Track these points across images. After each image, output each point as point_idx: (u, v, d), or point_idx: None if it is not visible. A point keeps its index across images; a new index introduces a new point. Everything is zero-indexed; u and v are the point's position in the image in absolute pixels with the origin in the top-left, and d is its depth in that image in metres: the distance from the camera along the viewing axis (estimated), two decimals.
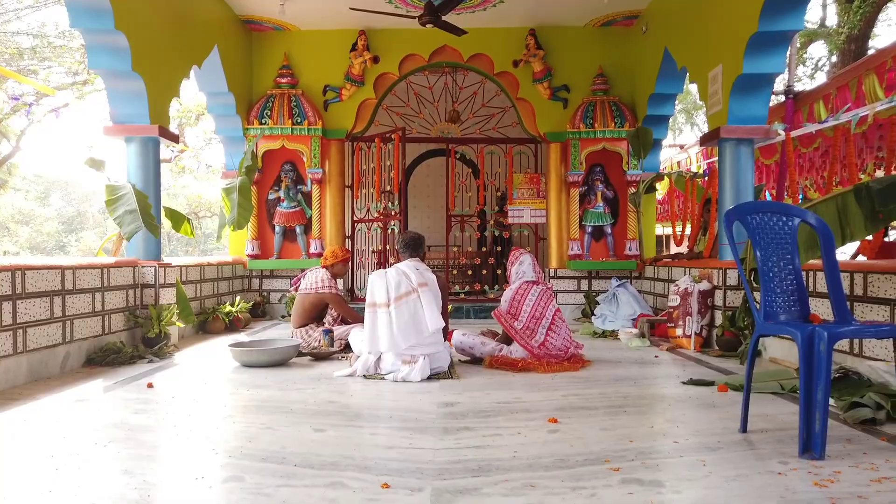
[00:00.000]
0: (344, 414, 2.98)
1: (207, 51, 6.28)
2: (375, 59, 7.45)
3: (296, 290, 5.09)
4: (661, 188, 9.15)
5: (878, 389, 3.06)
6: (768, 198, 7.18)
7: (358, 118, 7.57)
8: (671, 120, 8.52)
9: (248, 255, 7.34)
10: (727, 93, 5.10)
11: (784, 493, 1.97)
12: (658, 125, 7.25)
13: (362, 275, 7.89)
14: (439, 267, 7.91)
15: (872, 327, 2.42)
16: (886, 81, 5.05)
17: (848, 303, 3.67)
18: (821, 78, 15.08)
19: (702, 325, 5.05)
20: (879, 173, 5.80)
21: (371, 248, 7.91)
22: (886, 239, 7.40)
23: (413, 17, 6.23)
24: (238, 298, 6.64)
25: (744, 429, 2.64)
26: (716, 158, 5.94)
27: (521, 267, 4.48)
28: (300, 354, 4.49)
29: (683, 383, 3.66)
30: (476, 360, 4.37)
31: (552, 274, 7.50)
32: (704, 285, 5.12)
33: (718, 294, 5.03)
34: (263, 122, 7.24)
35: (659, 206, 10.29)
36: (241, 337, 5.43)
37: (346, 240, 7.73)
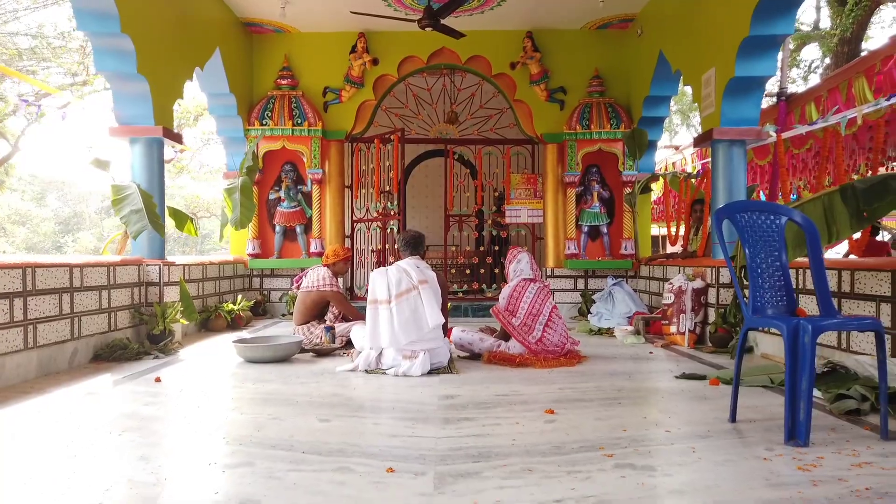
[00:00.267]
0: (348, 406, 3.09)
1: (209, 53, 6.38)
2: (375, 61, 7.55)
3: (297, 288, 5.18)
4: (657, 188, 9.28)
5: (863, 382, 3.17)
6: (762, 198, 7.30)
7: (357, 119, 7.67)
8: (666, 121, 8.67)
9: (249, 255, 7.43)
10: (720, 95, 5.22)
11: (769, 476, 2.07)
12: (653, 126, 7.37)
13: (361, 274, 7.99)
14: (438, 266, 8.01)
15: (855, 320, 2.53)
16: (875, 84, 5.18)
17: (836, 299, 3.80)
18: (815, 80, 15.22)
19: (695, 323, 5.16)
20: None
21: (370, 248, 8.01)
22: (878, 238, 7.53)
23: (412, 21, 6.33)
24: (240, 297, 6.73)
25: (733, 418, 2.75)
26: (710, 159, 6.05)
27: (518, 265, 4.58)
28: (303, 351, 4.59)
29: (676, 377, 3.77)
30: (475, 356, 4.47)
31: (549, 273, 7.61)
32: (698, 283, 5.24)
33: (712, 292, 5.14)
34: (264, 123, 7.33)
35: (655, 206, 10.42)
36: (244, 334, 5.52)
37: (346, 239, 7.83)
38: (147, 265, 5.07)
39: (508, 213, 7.69)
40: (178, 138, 5.60)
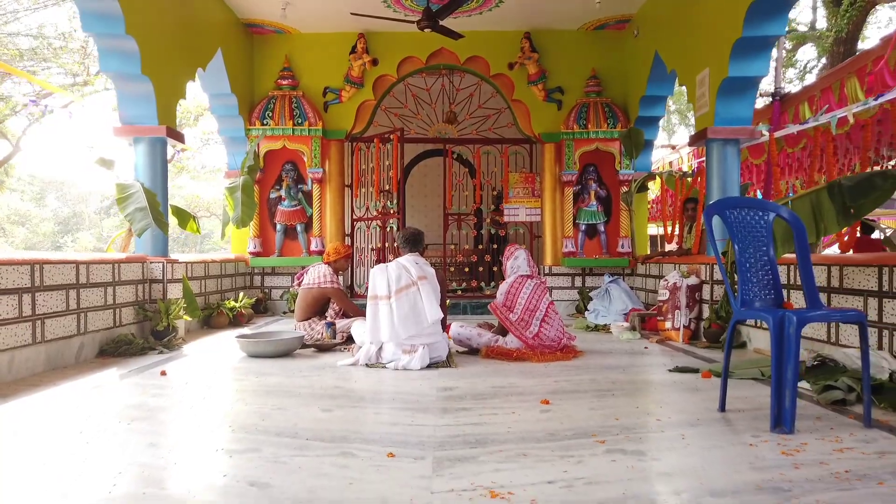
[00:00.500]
0: (349, 397, 3.18)
1: (211, 54, 6.47)
2: (374, 62, 7.64)
3: (299, 285, 5.27)
4: (654, 187, 9.37)
5: (851, 375, 3.26)
6: (759, 196, 7.39)
7: (357, 119, 7.76)
8: (665, 120, 8.78)
9: (251, 253, 7.52)
10: (713, 95, 5.31)
11: (754, 460, 2.16)
12: (649, 126, 7.46)
13: (361, 272, 8.08)
14: (437, 265, 8.09)
15: (839, 312, 2.62)
16: (867, 84, 5.27)
17: (826, 294, 3.90)
18: (811, 80, 15.32)
19: (690, 319, 5.26)
20: None
21: (370, 246, 8.10)
22: (873, 237, 7.62)
23: (411, 22, 6.42)
24: (241, 294, 6.82)
25: (722, 408, 2.84)
26: (705, 158, 6.15)
27: (515, 262, 4.67)
28: (304, 346, 4.67)
29: (670, 371, 3.86)
30: (473, 351, 4.57)
31: (547, 271, 7.70)
32: (692, 280, 5.33)
33: (706, 288, 5.23)
34: (265, 122, 7.42)
35: (653, 205, 10.51)
36: (245, 331, 5.61)
37: (346, 237, 7.91)
38: (151, 262, 5.16)
39: (507, 212, 7.78)
40: (180, 138, 5.69)
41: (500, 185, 8.20)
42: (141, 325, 4.97)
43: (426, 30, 6.21)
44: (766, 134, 5.14)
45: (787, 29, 15.21)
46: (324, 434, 2.46)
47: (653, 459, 2.19)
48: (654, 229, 11.79)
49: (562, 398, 3.11)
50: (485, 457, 2.19)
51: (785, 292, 4.22)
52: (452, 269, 8.15)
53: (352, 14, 6.76)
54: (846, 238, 4.13)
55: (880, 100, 4.06)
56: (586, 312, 6.67)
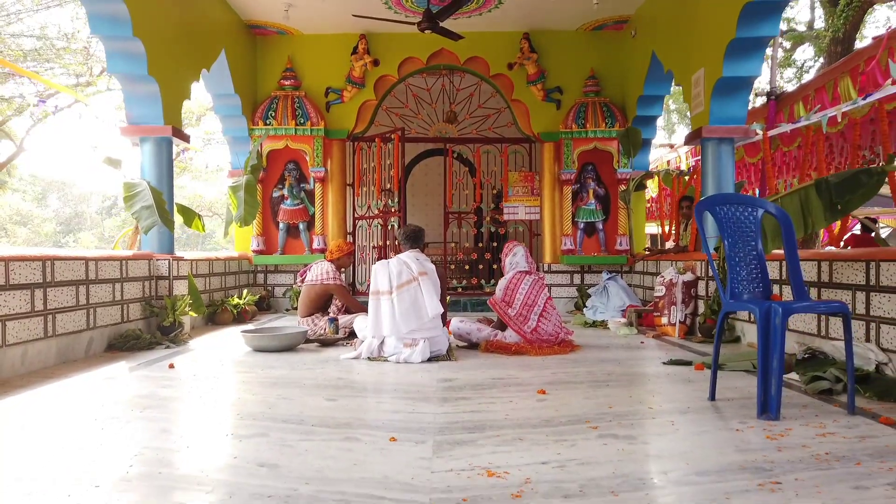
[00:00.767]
0: (352, 388, 3.28)
1: (216, 55, 6.58)
2: (375, 62, 7.75)
3: (302, 281, 5.37)
4: (653, 185, 9.46)
5: (839, 366, 3.36)
6: (756, 194, 7.49)
7: (359, 119, 7.87)
8: (666, 120, 8.88)
9: (254, 251, 7.63)
10: (708, 95, 5.42)
11: (739, 444, 2.27)
12: (647, 125, 7.56)
13: (363, 269, 8.18)
14: (437, 262, 8.19)
15: (823, 304, 2.73)
16: (859, 83, 5.37)
17: (816, 289, 4.00)
18: (808, 80, 15.39)
19: (686, 314, 5.36)
20: None
21: (371, 244, 8.21)
22: (872, 235, 7.72)
23: (412, 23, 6.53)
24: (245, 292, 6.93)
25: (712, 397, 2.94)
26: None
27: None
28: (307, 341, 4.78)
29: (664, 363, 3.96)
30: (473, 346, 4.67)
31: (546, 268, 7.80)
32: (688, 276, 5.43)
33: (701, 284, 5.33)
34: (268, 122, 7.53)
35: (651, 204, 10.60)
36: (249, 328, 5.72)
37: (348, 236, 8.02)
38: (157, 260, 5.27)
39: (506, 211, 7.89)
40: (186, 137, 5.80)
41: (500, 183, 8.30)
42: (148, 320, 5.08)
43: (426, 31, 6.31)
44: (760, 133, 5.24)
45: (785, 29, 15.30)
46: (328, 421, 2.57)
47: (643, 443, 2.29)
48: (654, 229, 11.88)
49: (558, 388, 3.22)
50: (482, 441, 2.30)
51: (777, 288, 4.32)
52: (453, 266, 8.25)
53: (353, 16, 6.87)
54: (836, 232, 4.23)
55: (869, 99, 4.16)
56: (584, 309, 6.77)
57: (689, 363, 3.91)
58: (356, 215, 8.16)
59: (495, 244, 8.11)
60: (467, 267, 8.29)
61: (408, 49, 7.73)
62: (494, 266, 8.17)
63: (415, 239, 4.57)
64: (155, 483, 1.89)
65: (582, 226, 7.77)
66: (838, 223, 4.11)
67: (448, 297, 5.83)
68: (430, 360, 4.06)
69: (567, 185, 7.70)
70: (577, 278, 7.78)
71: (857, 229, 7.89)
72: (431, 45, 7.61)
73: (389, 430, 2.43)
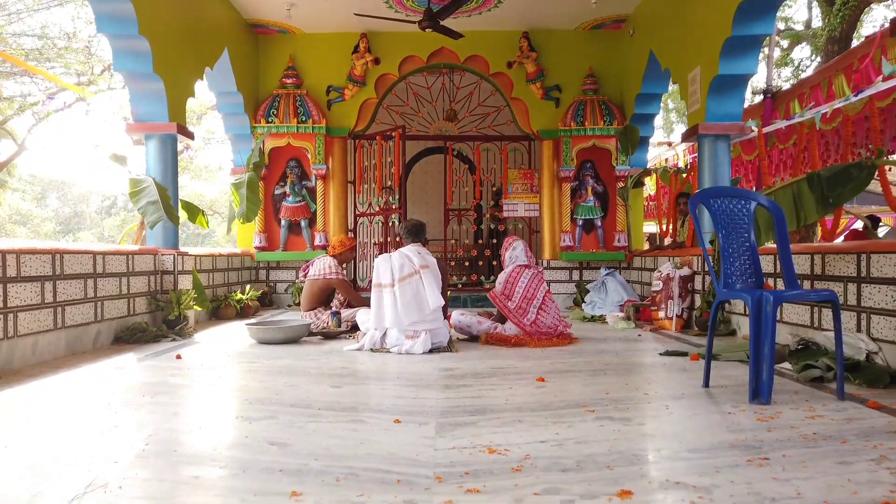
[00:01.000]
0: (356, 376, 3.37)
1: (218, 54, 6.66)
2: (376, 61, 7.84)
3: (305, 276, 5.46)
4: (650, 183, 9.56)
5: (832, 356, 3.44)
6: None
7: (360, 117, 7.95)
8: (664, 118, 8.98)
9: (256, 248, 7.71)
10: (705, 92, 5.50)
11: (730, 425, 2.36)
12: (645, 123, 7.65)
13: (364, 266, 8.27)
14: (438, 258, 8.27)
15: (813, 292, 2.81)
16: (853, 81, 5.47)
17: (809, 280, 4.09)
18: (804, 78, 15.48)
19: (683, 308, 5.44)
20: None
21: (373, 241, 8.29)
22: (878, 233, 7.79)
23: (413, 22, 6.61)
24: (248, 287, 7.01)
25: (706, 384, 3.03)
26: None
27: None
28: (311, 334, 4.87)
29: (661, 354, 4.05)
30: (473, 338, 4.76)
31: (545, 265, 7.89)
32: (685, 271, 5.52)
33: (698, 279, 5.42)
34: (270, 120, 7.61)
35: (649, 202, 10.70)
36: (253, 321, 5.79)
37: (349, 232, 8.11)
38: (162, 255, 5.35)
39: (506, 208, 7.97)
40: (190, 135, 5.89)
41: (500, 181, 8.39)
42: (153, 314, 5.16)
43: (427, 30, 6.40)
44: (756, 129, 5.32)
45: (782, 28, 15.38)
46: (334, 405, 2.66)
47: (638, 424, 2.38)
48: (654, 227, 11.97)
49: (557, 377, 3.30)
50: (484, 422, 2.39)
51: (772, 281, 4.41)
52: (453, 263, 8.34)
53: (355, 14, 6.96)
54: (830, 228, 4.31)
55: (861, 95, 4.24)
56: (583, 304, 6.85)
57: (684, 354, 4.00)
58: (357, 212, 8.24)
59: (495, 241, 8.20)
60: (467, 263, 8.38)
61: (408, 48, 7.82)
62: (494, 263, 8.25)
63: (416, 233, 4.66)
64: (171, 459, 1.97)
65: (581, 223, 7.85)
66: (835, 221, 4.20)
67: (449, 292, 5.92)
68: (431, 351, 4.15)
69: (566, 183, 7.78)
70: (575, 274, 7.87)
71: (858, 225, 7.98)
72: (432, 43, 7.70)
73: (394, 414, 2.52)
